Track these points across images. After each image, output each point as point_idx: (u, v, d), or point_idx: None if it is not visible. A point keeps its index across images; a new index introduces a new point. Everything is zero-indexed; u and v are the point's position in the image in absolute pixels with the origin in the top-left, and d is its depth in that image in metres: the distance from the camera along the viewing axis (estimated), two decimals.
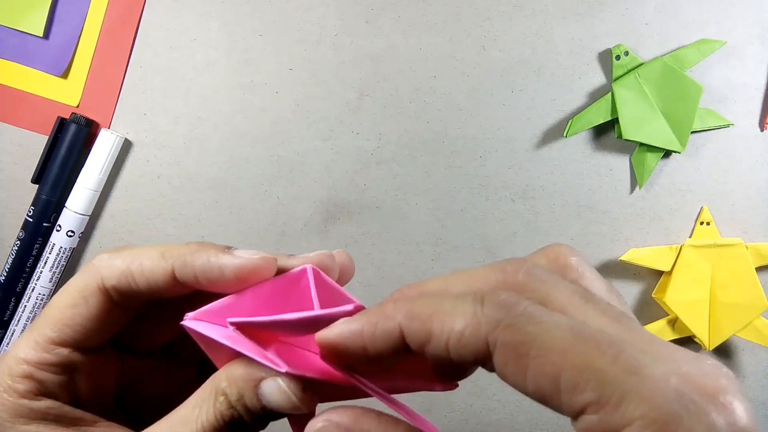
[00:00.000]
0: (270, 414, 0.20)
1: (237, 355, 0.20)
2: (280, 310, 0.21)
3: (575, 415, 0.16)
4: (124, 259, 0.22)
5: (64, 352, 0.21)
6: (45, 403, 0.21)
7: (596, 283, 0.20)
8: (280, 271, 0.22)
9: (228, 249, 0.21)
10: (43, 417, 0.21)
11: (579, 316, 0.17)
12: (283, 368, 0.19)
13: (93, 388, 0.22)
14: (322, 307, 0.20)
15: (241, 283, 0.21)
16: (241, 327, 0.20)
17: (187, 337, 0.21)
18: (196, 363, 0.26)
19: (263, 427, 0.21)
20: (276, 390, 0.20)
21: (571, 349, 0.16)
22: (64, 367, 0.21)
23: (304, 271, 0.21)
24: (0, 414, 0.20)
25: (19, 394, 0.21)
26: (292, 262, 0.22)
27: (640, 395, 0.15)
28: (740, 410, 0.15)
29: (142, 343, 0.25)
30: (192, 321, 0.20)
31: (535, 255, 0.21)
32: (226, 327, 0.20)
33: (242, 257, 0.21)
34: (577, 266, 0.20)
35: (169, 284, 0.21)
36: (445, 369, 0.21)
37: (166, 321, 0.24)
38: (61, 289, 0.22)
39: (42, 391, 0.21)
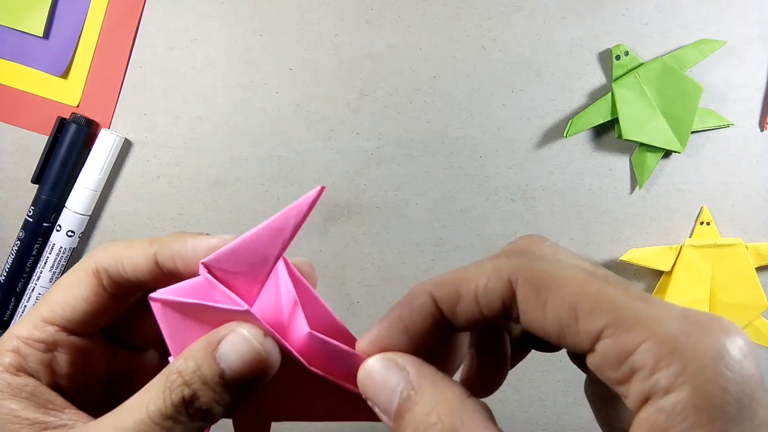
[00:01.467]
0: (229, 387, 0.19)
1: (196, 328, 0.20)
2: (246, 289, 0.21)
3: (592, 343, 0.17)
4: (118, 245, 0.22)
5: (51, 330, 0.22)
6: (22, 380, 0.21)
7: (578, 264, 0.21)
8: None
9: (205, 234, 0.22)
10: (18, 393, 0.21)
11: None
12: (245, 306, 0.19)
13: (76, 372, 0.23)
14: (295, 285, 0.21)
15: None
16: (212, 272, 0.20)
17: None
18: None
19: (218, 413, 0.19)
20: (237, 340, 0.19)
21: (586, 282, 0.17)
22: (48, 345, 0.22)
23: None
24: None
25: (3, 367, 0.21)
26: None
27: (651, 317, 0.16)
28: (739, 331, 0.16)
29: (135, 339, 0.25)
30: (160, 293, 0.20)
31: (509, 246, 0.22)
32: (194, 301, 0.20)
33: (216, 237, 0.22)
34: (554, 254, 0.21)
35: (152, 269, 0.22)
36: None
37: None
38: (65, 274, 0.23)
39: (24, 366, 0.22)
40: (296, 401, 0.21)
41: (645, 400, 0.16)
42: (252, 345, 0.19)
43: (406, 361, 0.19)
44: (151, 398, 0.19)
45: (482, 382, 0.22)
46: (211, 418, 0.19)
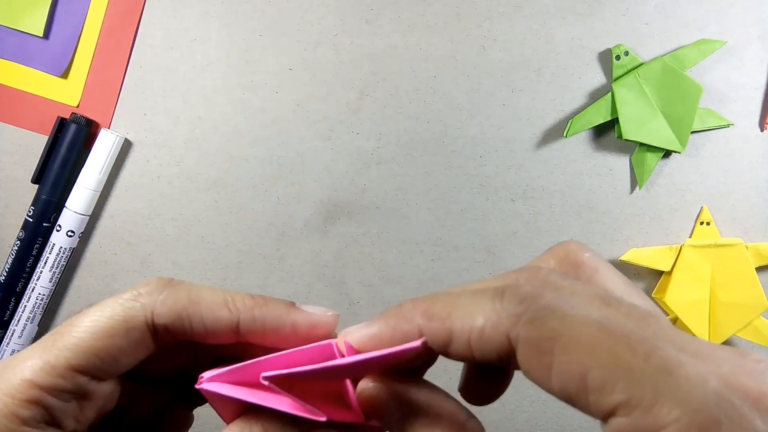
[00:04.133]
0: None
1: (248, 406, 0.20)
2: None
3: (605, 417, 0.15)
4: (180, 298, 0.20)
5: (83, 380, 0.20)
6: None
7: (613, 280, 0.19)
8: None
9: (293, 305, 0.21)
10: None
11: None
12: (323, 417, 0.18)
13: (97, 415, 0.21)
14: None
15: (306, 340, 0.20)
16: (276, 382, 0.19)
17: (165, 360, 0.21)
18: (173, 387, 0.25)
19: None
20: None
21: (599, 345, 0.15)
22: (77, 395, 0.20)
23: (330, 345, 0.20)
24: None
25: (22, 420, 0.19)
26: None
27: (674, 397, 0.14)
28: None
29: (148, 372, 0.23)
30: (210, 383, 0.19)
31: (544, 256, 0.20)
32: (246, 386, 0.20)
33: (315, 314, 0.21)
34: (590, 262, 0.19)
35: (228, 335, 0.20)
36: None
37: (179, 355, 0.23)
38: (93, 312, 0.20)
39: (48, 419, 0.19)
40: None
41: None
42: None
43: None
44: None
45: (479, 393, 0.21)
46: None
